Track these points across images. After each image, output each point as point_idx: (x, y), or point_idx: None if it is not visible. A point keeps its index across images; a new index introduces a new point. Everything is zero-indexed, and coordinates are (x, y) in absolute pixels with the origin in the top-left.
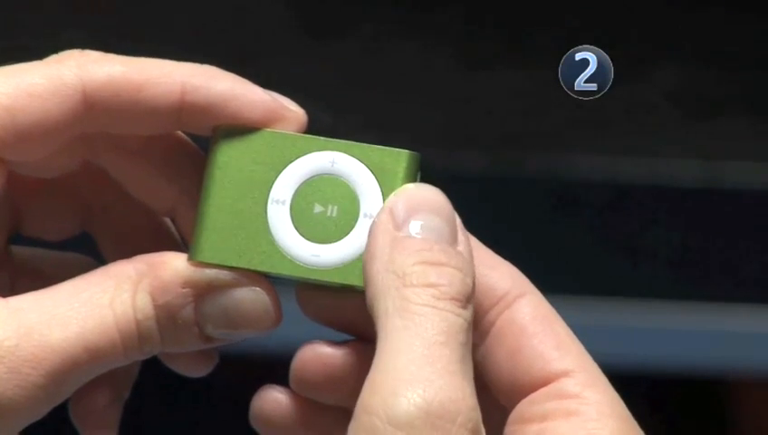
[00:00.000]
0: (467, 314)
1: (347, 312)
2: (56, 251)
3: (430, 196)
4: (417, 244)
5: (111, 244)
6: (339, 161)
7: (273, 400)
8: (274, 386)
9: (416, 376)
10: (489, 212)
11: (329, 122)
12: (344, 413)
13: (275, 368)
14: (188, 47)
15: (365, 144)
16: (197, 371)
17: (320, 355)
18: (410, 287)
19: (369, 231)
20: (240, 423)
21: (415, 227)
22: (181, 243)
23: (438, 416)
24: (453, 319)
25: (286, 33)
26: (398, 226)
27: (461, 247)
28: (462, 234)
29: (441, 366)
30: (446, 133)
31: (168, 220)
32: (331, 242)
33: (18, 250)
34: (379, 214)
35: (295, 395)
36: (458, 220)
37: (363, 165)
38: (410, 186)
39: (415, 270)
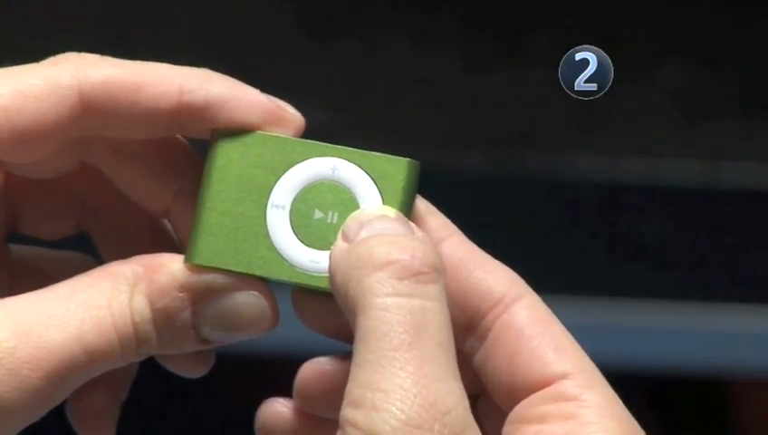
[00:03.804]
0: (437, 289)
1: (343, 321)
2: (54, 250)
3: (378, 210)
4: (373, 237)
5: (109, 243)
6: (340, 168)
7: (276, 413)
8: (278, 399)
9: (391, 385)
10: (489, 212)
11: (329, 123)
12: None
13: (275, 371)
14: (188, 50)
15: (366, 151)
16: (194, 371)
17: (321, 371)
18: (372, 274)
19: (330, 258)
20: (239, 424)
21: (368, 232)
22: (178, 242)
23: (417, 426)
24: (420, 306)
25: (287, 35)
26: (350, 239)
27: (419, 236)
28: (418, 230)
29: (413, 370)
30: (446, 133)
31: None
32: (330, 249)
33: (16, 249)
34: (334, 244)
35: (300, 408)
36: (413, 223)
37: (364, 172)
38: (358, 210)
39: (374, 252)
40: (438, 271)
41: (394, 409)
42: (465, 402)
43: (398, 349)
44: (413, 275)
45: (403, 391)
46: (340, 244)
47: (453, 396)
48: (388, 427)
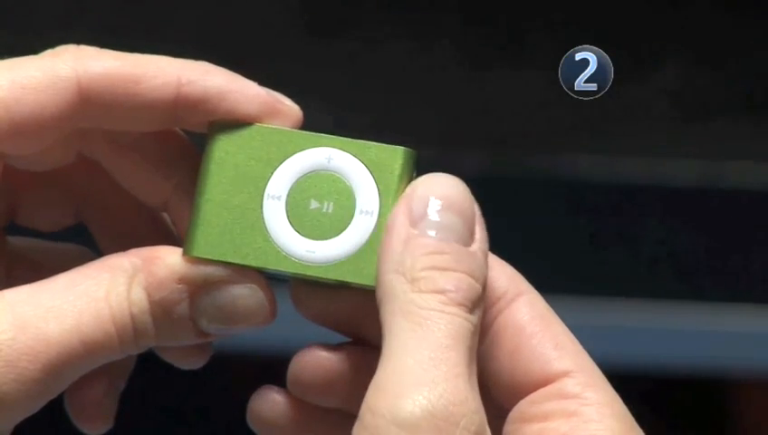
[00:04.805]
0: (474, 318)
1: (341, 311)
2: (52, 241)
3: (449, 190)
4: (430, 246)
5: (107, 235)
6: (335, 157)
7: (270, 400)
8: (272, 387)
9: (421, 379)
10: (489, 212)
11: (329, 122)
12: (341, 415)
13: (274, 367)
14: (189, 47)
15: (362, 141)
16: (192, 363)
17: (317, 359)
18: (418, 293)
19: (387, 222)
20: (238, 422)
21: (430, 224)
22: (177, 234)
23: (442, 418)
24: (460, 322)
25: (287, 33)
26: (414, 221)
27: (476, 246)
28: (479, 229)
29: (447, 369)
30: (446, 133)
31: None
32: (326, 238)
33: (14, 240)
34: (397, 206)
35: (293, 396)
36: (477, 212)
37: (359, 161)
38: (431, 177)
39: (423, 275)
40: (477, 305)
41: (421, 398)
42: (485, 415)
43: (435, 350)
44: (457, 304)
45: (433, 383)
46: (401, 216)
47: (478, 401)
48: (411, 415)
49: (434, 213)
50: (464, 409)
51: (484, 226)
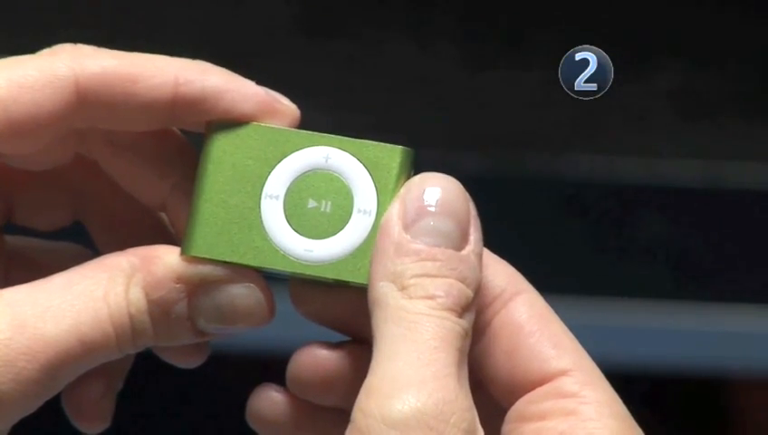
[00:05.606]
0: (465, 322)
1: (340, 310)
2: (50, 241)
3: (444, 191)
4: (422, 253)
5: (105, 235)
6: (333, 157)
7: (269, 399)
8: (271, 385)
9: (411, 379)
10: (489, 212)
11: (329, 122)
12: (340, 414)
13: (273, 366)
14: (187, 47)
15: (359, 140)
16: (189, 362)
17: (316, 358)
18: (408, 300)
19: (381, 225)
20: (238, 422)
21: (423, 229)
22: (175, 234)
23: (433, 416)
24: (449, 325)
25: (286, 33)
26: (407, 225)
27: (469, 248)
28: (474, 230)
29: (436, 369)
30: (446, 133)
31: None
32: (324, 237)
33: (11, 239)
34: (391, 207)
35: (292, 395)
36: (473, 212)
37: (357, 160)
38: (425, 177)
39: (414, 283)
40: (467, 310)
41: (411, 397)
42: (476, 413)
43: (424, 351)
44: (446, 309)
45: (423, 383)
46: (394, 219)
47: (469, 401)
48: (401, 414)
49: (427, 216)
50: (454, 407)
51: (479, 226)
